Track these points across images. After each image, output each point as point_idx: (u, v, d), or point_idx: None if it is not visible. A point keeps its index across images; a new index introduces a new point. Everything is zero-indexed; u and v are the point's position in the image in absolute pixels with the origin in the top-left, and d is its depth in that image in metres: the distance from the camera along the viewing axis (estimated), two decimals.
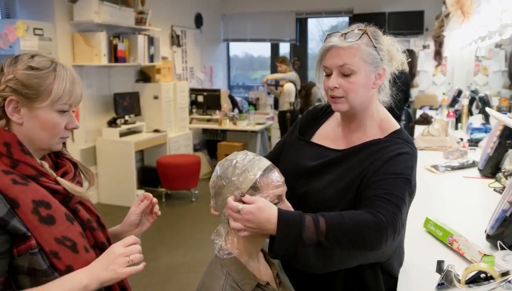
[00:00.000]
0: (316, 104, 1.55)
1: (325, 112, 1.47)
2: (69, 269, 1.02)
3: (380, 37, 1.28)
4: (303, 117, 1.51)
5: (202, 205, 5.25)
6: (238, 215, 1.07)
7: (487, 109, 1.96)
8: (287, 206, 1.15)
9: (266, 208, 1.07)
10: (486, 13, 3.23)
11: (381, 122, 1.34)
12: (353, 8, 7.73)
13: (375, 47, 1.24)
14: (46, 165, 1.10)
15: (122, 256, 1.03)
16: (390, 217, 1.11)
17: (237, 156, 1.16)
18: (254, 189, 1.10)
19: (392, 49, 1.31)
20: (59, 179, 1.10)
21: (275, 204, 1.12)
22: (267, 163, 1.16)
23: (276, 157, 1.46)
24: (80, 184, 1.16)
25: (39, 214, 1.01)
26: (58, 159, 1.18)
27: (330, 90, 1.26)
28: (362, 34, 1.22)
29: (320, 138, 1.42)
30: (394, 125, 1.34)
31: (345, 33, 1.23)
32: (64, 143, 1.18)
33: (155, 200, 1.30)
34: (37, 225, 1.00)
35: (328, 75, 1.27)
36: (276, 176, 1.14)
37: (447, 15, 4.22)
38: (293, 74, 6.61)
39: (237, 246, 1.14)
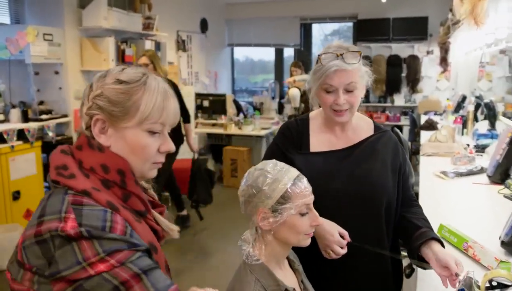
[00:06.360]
0: (286, 120, 1.64)
1: (301, 125, 1.56)
2: None
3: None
4: (286, 138, 1.55)
5: (207, 210, 5.28)
6: None
7: (502, 118, 1.99)
8: (315, 214, 1.18)
9: None
10: (494, 21, 3.27)
11: (357, 118, 1.55)
12: (357, 14, 7.78)
13: (363, 65, 1.43)
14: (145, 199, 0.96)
15: None
16: None
17: (266, 165, 1.19)
18: (284, 198, 1.13)
19: None
20: (157, 216, 0.99)
21: (304, 213, 1.16)
22: (296, 172, 1.19)
23: None
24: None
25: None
26: None
27: (336, 105, 1.40)
28: (360, 56, 1.41)
29: (319, 147, 1.51)
30: (367, 117, 1.61)
31: (341, 54, 1.37)
32: None
33: None
34: None
35: (329, 92, 1.40)
36: (305, 185, 1.17)
37: (454, 23, 4.25)
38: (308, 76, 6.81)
39: (265, 253, 1.17)
